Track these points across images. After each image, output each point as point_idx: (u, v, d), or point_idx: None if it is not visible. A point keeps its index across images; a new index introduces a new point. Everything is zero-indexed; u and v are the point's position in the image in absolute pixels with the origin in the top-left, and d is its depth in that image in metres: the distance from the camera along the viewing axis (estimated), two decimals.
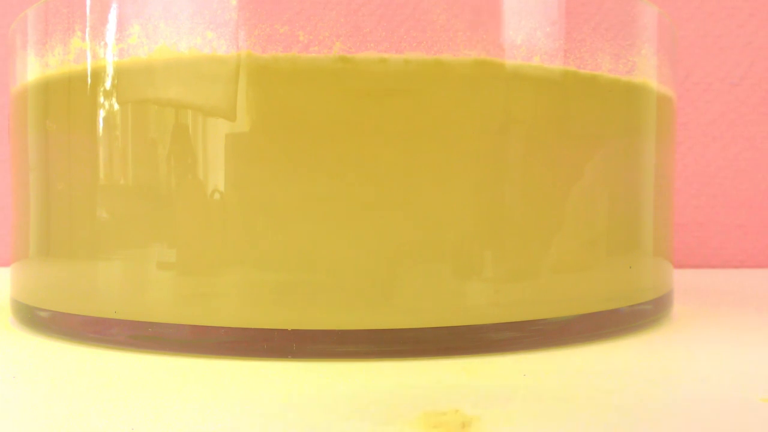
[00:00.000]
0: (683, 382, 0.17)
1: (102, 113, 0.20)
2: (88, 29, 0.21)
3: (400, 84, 0.19)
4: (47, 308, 0.22)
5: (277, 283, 0.19)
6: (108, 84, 0.20)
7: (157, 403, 0.15)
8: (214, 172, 0.19)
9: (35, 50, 0.23)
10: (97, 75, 0.20)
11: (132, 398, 0.15)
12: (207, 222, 0.19)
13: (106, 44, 0.20)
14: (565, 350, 0.20)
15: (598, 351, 0.20)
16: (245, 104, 0.19)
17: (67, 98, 0.21)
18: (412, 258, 0.19)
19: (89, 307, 0.21)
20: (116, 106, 0.20)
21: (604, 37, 0.22)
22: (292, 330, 0.19)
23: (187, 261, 0.19)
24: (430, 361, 0.18)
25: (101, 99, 0.20)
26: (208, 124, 0.19)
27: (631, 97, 0.23)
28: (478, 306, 0.19)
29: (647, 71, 0.24)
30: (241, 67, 0.19)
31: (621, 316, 0.22)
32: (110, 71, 0.20)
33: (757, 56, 0.48)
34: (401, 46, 0.20)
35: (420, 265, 0.19)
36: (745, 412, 0.14)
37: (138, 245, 0.20)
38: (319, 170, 0.19)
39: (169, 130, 0.19)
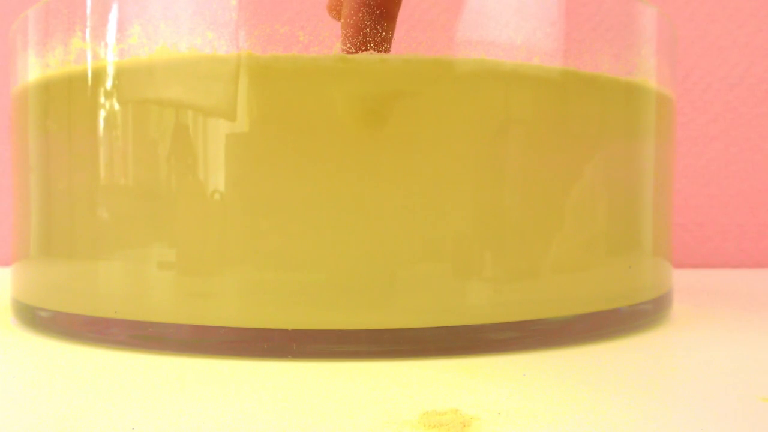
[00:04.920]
0: (683, 381, 0.17)
1: (102, 113, 0.20)
2: (88, 30, 0.21)
3: (400, 84, 0.19)
4: (48, 308, 0.22)
5: (277, 283, 0.19)
6: (108, 84, 0.20)
7: (157, 403, 0.15)
8: (215, 172, 0.19)
9: (36, 51, 0.23)
10: (98, 75, 0.20)
11: (132, 398, 0.15)
12: (207, 222, 0.19)
13: (106, 44, 0.20)
14: (565, 350, 0.20)
15: (598, 351, 0.20)
16: (245, 104, 0.19)
17: (67, 98, 0.21)
18: (412, 258, 0.19)
19: (90, 306, 0.21)
20: (117, 107, 0.20)
21: (604, 37, 0.22)
22: (292, 330, 0.19)
23: (187, 261, 0.19)
24: (430, 361, 0.18)
25: (102, 99, 0.20)
26: (208, 124, 0.19)
27: (631, 97, 0.23)
28: (478, 306, 0.20)
29: (647, 71, 0.24)
30: (241, 67, 0.19)
31: (621, 315, 0.22)
32: (111, 71, 0.20)
33: (756, 56, 0.48)
34: (401, 46, 0.20)
35: (420, 265, 0.19)
36: (745, 412, 0.14)
37: (138, 245, 0.20)
38: (319, 170, 0.19)
39: (169, 130, 0.19)
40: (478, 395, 0.15)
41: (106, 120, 0.20)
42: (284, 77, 0.19)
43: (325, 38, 0.20)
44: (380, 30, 0.20)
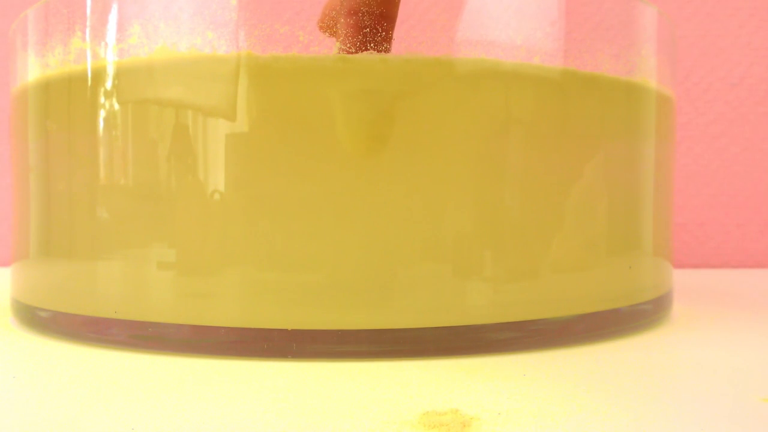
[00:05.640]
0: (683, 382, 0.17)
1: (102, 113, 0.20)
2: (88, 29, 0.21)
3: (400, 84, 0.19)
4: (48, 308, 0.22)
5: (277, 283, 0.19)
6: (108, 84, 0.20)
7: (157, 403, 0.15)
8: (214, 172, 0.19)
9: (35, 50, 0.23)
10: (98, 75, 0.20)
11: (132, 398, 0.15)
12: (207, 222, 0.19)
13: (106, 44, 0.20)
14: (565, 350, 0.20)
15: (598, 351, 0.20)
16: (245, 104, 0.19)
17: (67, 98, 0.21)
18: (412, 258, 0.19)
19: (89, 307, 0.21)
20: (116, 107, 0.20)
21: (604, 37, 0.22)
22: (292, 330, 0.19)
23: (187, 261, 0.19)
24: (430, 361, 0.18)
25: (101, 99, 0.20)
26: (208, 124, 0.19)
27: (631, 97, 0.23)
28: (478, 306, 0.19)
29: (647, 71, 0.24)
30: (241, 67, 0.19)
31: (621, 316, 0.22)
32: (110, 71, 0.20)
33: (756, 56, 0.48)
34: (401, 46, 0.20)
35: (420, 265, 0.19)
36: (745, 412, 0.14)
37: (138, 245, 0.20)
38: (319, 170, 0.19)
39: (169, 130, 0.19)
40: (478, 395, 0.15)
41: (106, 120, 0.20)
42: (284, 77, 0.19)
43: (325, 38, 0.20)
44: (380, 30, 0.20)
